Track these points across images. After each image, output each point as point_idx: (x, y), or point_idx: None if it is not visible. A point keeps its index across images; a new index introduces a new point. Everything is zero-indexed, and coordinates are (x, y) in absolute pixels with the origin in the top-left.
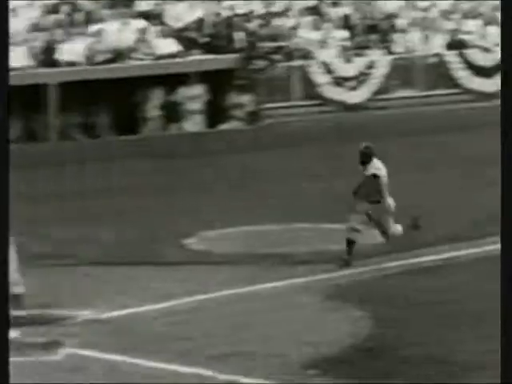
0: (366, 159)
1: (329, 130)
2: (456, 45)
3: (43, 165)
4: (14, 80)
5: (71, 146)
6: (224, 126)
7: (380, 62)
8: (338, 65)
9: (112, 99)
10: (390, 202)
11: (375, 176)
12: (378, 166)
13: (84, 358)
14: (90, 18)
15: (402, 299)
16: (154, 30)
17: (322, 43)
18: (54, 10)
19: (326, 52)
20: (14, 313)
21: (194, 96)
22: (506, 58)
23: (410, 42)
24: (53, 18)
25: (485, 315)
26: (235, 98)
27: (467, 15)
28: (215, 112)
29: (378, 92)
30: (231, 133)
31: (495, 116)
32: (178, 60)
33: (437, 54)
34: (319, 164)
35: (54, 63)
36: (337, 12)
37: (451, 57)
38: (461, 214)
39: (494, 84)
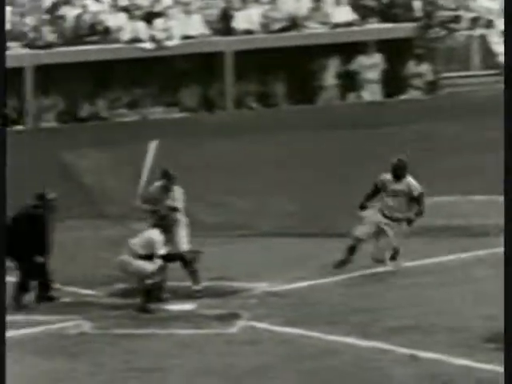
0: (400, 172)
1: None
2: None
3: (220, 134)
4: (190, 48)
5: (247, 115)
6: (402, 96)
7: None
8: None
9: (288, 68)
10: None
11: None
12: (414, 183)
13: (259, 331)
14: None
15: None
16: None
17: (502, 12)
18: None
19: None
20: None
21: (371, 65)
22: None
23: None
24: None
25: None
26: (413, 67)
27: None
28: (393, 81)
29: None
30: (409, 102)
31: None
32: (354, 28)
33: None
34: (499, 134)
35: (229, 31)
36: None
37: None
38: None
39: None
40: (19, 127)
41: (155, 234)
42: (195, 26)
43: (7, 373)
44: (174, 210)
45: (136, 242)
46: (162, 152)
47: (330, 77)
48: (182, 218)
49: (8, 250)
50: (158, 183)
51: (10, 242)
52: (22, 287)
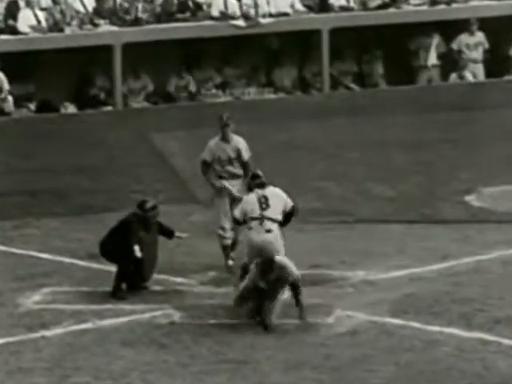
0: None
1: None
2: None
3: (316, 116)
4: (284, 26)
5: (344, 96)
6: (506, 77)
7: None
8: None
9: (386, 47)
10: None
11: None
12: None
13: (357, 322)
14: None
15: None
16: None
17: None
18: None
19: None
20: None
21: (474, 44)
22: None
23: None
24: None
25: None
26: None
27: None
28: (496, 61)
29: None
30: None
31: None
32: (456, 6)
33: None
34: None
35: (326, 8)
36: None
37: None
38: None
39: None
40: (108, 108)
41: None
42: (290, 2)
43: (96, 364)
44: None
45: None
46: (254, 135)
47: (430, 56)
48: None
49: (109, 250)
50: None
51: (113, 245)
52: (121, 279)
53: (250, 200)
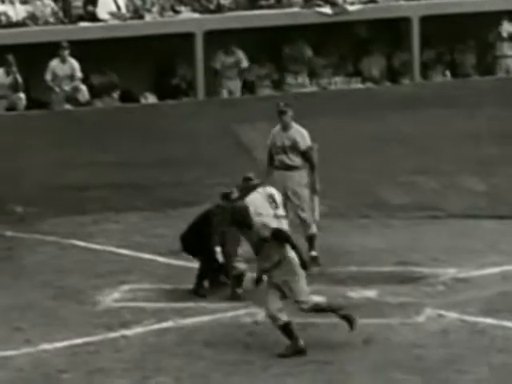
0: None
1: None
2: None
3: (406, 106)
4: (373, 13)
5: (435, 87)
6: None
7: None
8: None
9: (477, 36)
10: None
11: None
12: None
13: (448, 321)
14: None
15: None
16: None
17: None
18: None
19: None
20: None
21: None
22: None
23: None
24: None
25: None
26: None
27: None
28: None
29: None
30: None
31: None
32: None
33: None
34: None
35: None
36: None
37: None
38: None
39: None
40: (188, 98)
41: None
42: None
43: (177, 365)
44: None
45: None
46: (341, 126)
47: (505, 46)
48: None
49: (190, 245)
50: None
51: (194, 240)
52: (203, 276)
53: (255, 201)
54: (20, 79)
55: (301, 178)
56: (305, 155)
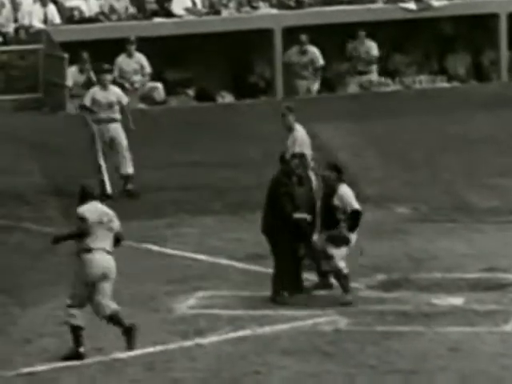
0: None
1: None
2: None
3: (493, 106)
4: (460, 9)
5: None
6: None
7: None
8: None
9: None
10: None
11: None
12: None
13: None
14: None
15: None
16: None
17: None
18: None
19: None
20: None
21: None
22: None
23: None
24: None
25: None
26: None
27: None
28: None
29: None
30: None
31: None
32: None
33: None
34: None
35: None
36: None
37: None
38: None
39: None
40: (266, 97)
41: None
42: None
43: (255, 376)
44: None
45: None
46: (425, 126)
47: None
48: None
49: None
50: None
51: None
52: (281, 282)
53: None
54: (94, 77)
55: None
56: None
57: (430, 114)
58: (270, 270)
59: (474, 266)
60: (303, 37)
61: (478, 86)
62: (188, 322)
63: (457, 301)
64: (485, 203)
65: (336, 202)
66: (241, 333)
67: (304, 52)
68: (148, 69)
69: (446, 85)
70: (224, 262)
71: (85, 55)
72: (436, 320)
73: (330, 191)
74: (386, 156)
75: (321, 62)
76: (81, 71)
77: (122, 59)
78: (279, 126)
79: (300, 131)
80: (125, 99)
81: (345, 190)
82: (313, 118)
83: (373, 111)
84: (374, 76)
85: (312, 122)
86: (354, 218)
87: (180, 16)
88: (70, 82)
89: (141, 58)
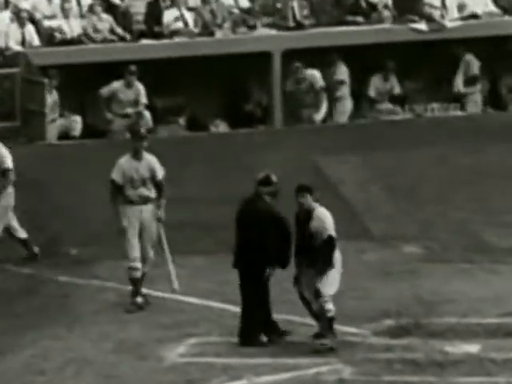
0: None
1: None
2: None
3: (509, 136)
4: (475, 30)
5: None
6: None
7: None
8: None
9: None
10: None
11: None
12: None
13: None
14: None
15: None
16: None
17: None
18: None
19: None
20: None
21: None
22: None
23: None
24: None
25: None
26: None
27: None
28: None
29: None
30: None
31: None
32: None
33: None
34: None
35: None
36: None
37: None
38: None
39: None
40: (264, 127)
41: None
42: (482, 2)
43: None
44: None
45: None
46: (437, 158)
47: None
48: None
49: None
50: None
51: None
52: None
53: (329, 216)
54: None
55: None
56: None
57: (442, 144)
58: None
59: (491, 311)
60: (296, 65)
61: (495, 114)
62: (179, 371)
63: (472, 348)
64: (502, 242)
65: (313, 228)
66: (236, 383)
67: (300, 81)
68: (144, 99)
69: (459, 113)
70: (217, 305)
71: (52, 72)
72: (449, 370)
73: (306, 217)
74: (393, 190)
75: (321, 83)
76: (48, 91)
77: (119, 87)
78: (278, 157)
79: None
80: (160, 173)
81: (322, 213)
82: (315, 149)
83: (380, 141)
84: (385, 104)
85: (314, 153)
86: (329, 246)
87: (170, 37)
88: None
89: (140, 89)
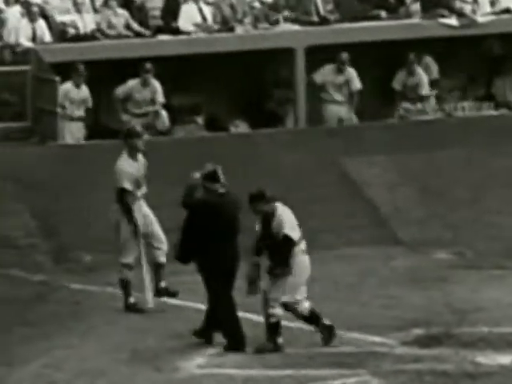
0: None
1: None
2: None
3: None
4: (508, 26)
5: None
6: None
7: None
8: None
9: None
10: None
11: None
12: None
13: None
14: None
15: None
16: None
17: None
18: None
19: None
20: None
21: None
22: None
23: None
24: None
25: None
26: None
27: None
28: None
29: None
30: None
31: None
32: None
33: None
34: None
35: None
36: None
37: None
38: None
39: None
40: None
41: None
42: None
43: None
44: None
45: None
46: (469, 159)
47: None
48: None
49: None
50: None
51: None
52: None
53: (291, 216)
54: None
55: None
56: None
57: (474, 145)
58: (291, 324)
59: None
60: (344, 55)
61: None
62: (196, 383)
63: (505, 359)
64: None
65: (273, 228)
66: None
67: (341, 71)
68: (161, 98)
69: (492, 112)
70: (239, 314)
71: (81, 67)
72: (481, 381)
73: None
74: (423, 194)
75: (358, 85)
76: (77, 86)
77: (135, 86)
78: (302, 158)
79: None
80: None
81: (282, 212)
82: (340, 150)
83: (409, 142)
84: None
85: (341, 154)
86: (284, 246)
87: (188, 33)
88: (64, 102)
89: (157, 87)
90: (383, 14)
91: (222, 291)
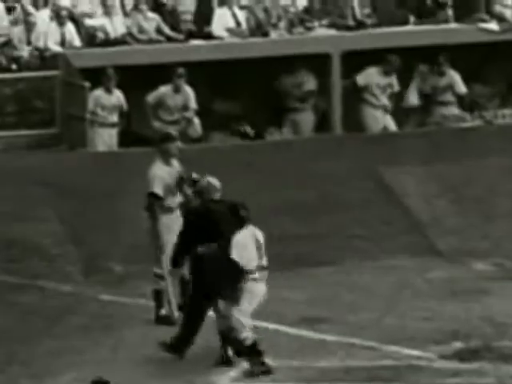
0: None
1: None
2: None
3: None
4: None
5: None
6: None
7: None
8: None
9: None
10: None
11: None
12: None
13: None
14: None
15: None
16: None
17: None
18: None
19: None
20: None
21: None
22: None
23: None
24: None
25: None
26: None
27: None
28: None
29: None
30: None
31: None
32: None
33: None
34: None
35: None
36: None
37: None
38: None
39: None
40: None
41: None
42: None
43: None
44: None
45: None
46: (509, 169)
47: None
48: None
49: None
50: None
51: None
52: None
53: (246, 241)
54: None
55: None
56: None
57: None
58: (328, 337)
59: None
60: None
61: None
62: None
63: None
64: None
65: None
66: None
67: (442, 74)
68: (193, 104)
69: None
70: (271, 326)
71: (110, 71)
72: None
73: None
74: (462, 203)
75: (463, 89)
76: (108, 91)
77: (166, 92)
78: (338, 166)
79: None
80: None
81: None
82: (377, 158)
83: (447, 151)
84: (452, 109)
85: (376, 163)
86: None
87: (221, 38)
88: (95, 109)
89: (189, 93)
90: (420, 18)
91: (198, 297)
